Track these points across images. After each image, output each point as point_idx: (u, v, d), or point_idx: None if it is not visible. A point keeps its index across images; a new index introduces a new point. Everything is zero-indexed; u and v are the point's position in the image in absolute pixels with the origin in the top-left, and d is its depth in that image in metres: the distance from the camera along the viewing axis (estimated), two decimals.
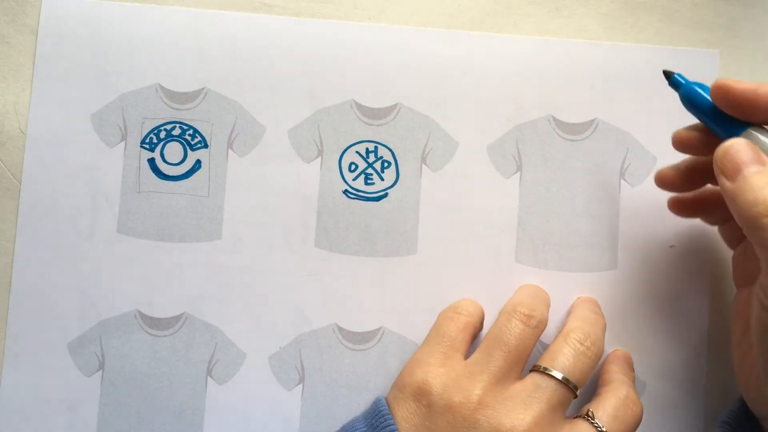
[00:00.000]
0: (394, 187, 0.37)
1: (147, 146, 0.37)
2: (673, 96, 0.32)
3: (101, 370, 0.36)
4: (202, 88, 0.37)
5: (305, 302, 0.37)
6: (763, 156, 0.28)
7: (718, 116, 0.30)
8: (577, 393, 0.32)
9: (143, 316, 0.36)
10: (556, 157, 0.38)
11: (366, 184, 0.37)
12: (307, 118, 0.37)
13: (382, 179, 0.37)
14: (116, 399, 0.36)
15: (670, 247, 0.37)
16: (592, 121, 0.38)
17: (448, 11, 0.38)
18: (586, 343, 0.32)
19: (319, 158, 0.37)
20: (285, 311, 0.37)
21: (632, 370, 0.36)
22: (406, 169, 0.37)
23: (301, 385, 0.36)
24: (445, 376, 0.32)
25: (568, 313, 0.36)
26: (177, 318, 0.36)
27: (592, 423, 0.31)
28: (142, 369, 0.36)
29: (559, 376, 0.31)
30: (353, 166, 0.37)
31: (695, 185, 0.34)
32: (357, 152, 0.37)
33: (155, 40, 0.37)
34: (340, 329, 0.37)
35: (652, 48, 0.38)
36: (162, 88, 0.37)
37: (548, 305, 0.36)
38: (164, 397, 0.36)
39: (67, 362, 0.36)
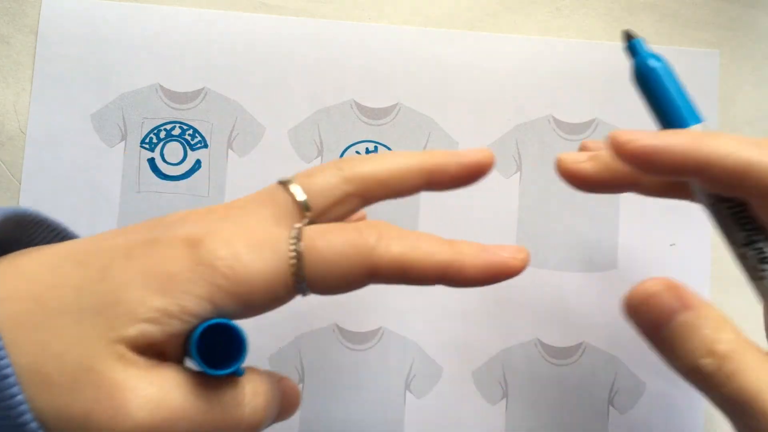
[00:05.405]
0: None
1: (147, 146, 0.37)
2: None
3: None
4: (202, 88, 0.37)
5: (305, 302, 0.37)
6: (689, 297, 0.23)
7: (673, 103, 0.26)
8: (309, 214, 0.24)
9: None
10: (556, 156, 0.38)
11: None
12: (307, 118, 0.37)
13: None
14: None
15: (670, 245, 0.37)
16: (592, 121, 0.38)
17: (448, 11, 0.38)
18: (343, 169, 0.24)
19: (319, 158, 0.37)
20: (285, 311, 0.36)
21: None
22: None
23: (301, 385, 0.36)
24: None
25: None
26: None
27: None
28: None
29: (285, 181, 0.24)
30: None
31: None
32: (357, 152, 0.37)
33: (155, 40, 0.37)
34: (340, 329, 0.37)
35: (652, 48, 0.38)
36: (162, 88, 0.37)
37: None
38: None
39: None
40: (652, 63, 0.27)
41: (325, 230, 0.22)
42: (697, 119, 0.26)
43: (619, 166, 0.26)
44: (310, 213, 0.24)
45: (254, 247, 0.21)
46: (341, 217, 0.25)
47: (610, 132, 0.25)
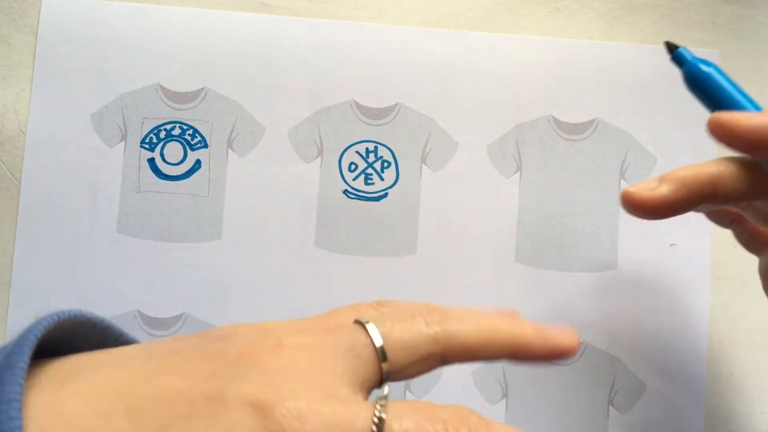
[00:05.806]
0: (394, 187, 0.37)
1: (147, 146, 0.37)
2: (673, 96, 0.32)
3: None
4: (202, 88, 0.37)
5: (305, 302, 0.37)
6: None
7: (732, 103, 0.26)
8: (385, 366, 0.22)
9: (143, 316, 0.36)
10: (556, 157, 0.38)
11: (366, 184, 0.37)
12: (307, 118, 0.37)
13: (382, 179, 0.37)
14: None
15: (670, 245, 0.37)
16: (592, 121, 0.38)
17: (448, 11, 0.38)
18: (432, 324, 0.23)
19: (319, 158, 0.37)
20: (285, 311, 0.37)
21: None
22: (406, 169, 0.37)
23: None
24: None
25: None
26: (177, 318, 0.36)
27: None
28: None
29: (366, 323, 0.22)
30: (353, 166, 0.37)
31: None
32: (357, 152, 0.37)
33: (155, 40, 0.37)
34: None
35: (652, 48, 0.38)
36: (162, 88, 0.37)
37: None
38: None
39: None
40: (705, 68, 0.27)
41: (410, 421, 0.20)
42: (759, 109, 0.26)
43: (695, 179, 0.26)
44: (386, 364, 0.21)
45: (330, 428, 0.19)
46: (417, 373, 0.23)
47: (711, 115, 0.26)
